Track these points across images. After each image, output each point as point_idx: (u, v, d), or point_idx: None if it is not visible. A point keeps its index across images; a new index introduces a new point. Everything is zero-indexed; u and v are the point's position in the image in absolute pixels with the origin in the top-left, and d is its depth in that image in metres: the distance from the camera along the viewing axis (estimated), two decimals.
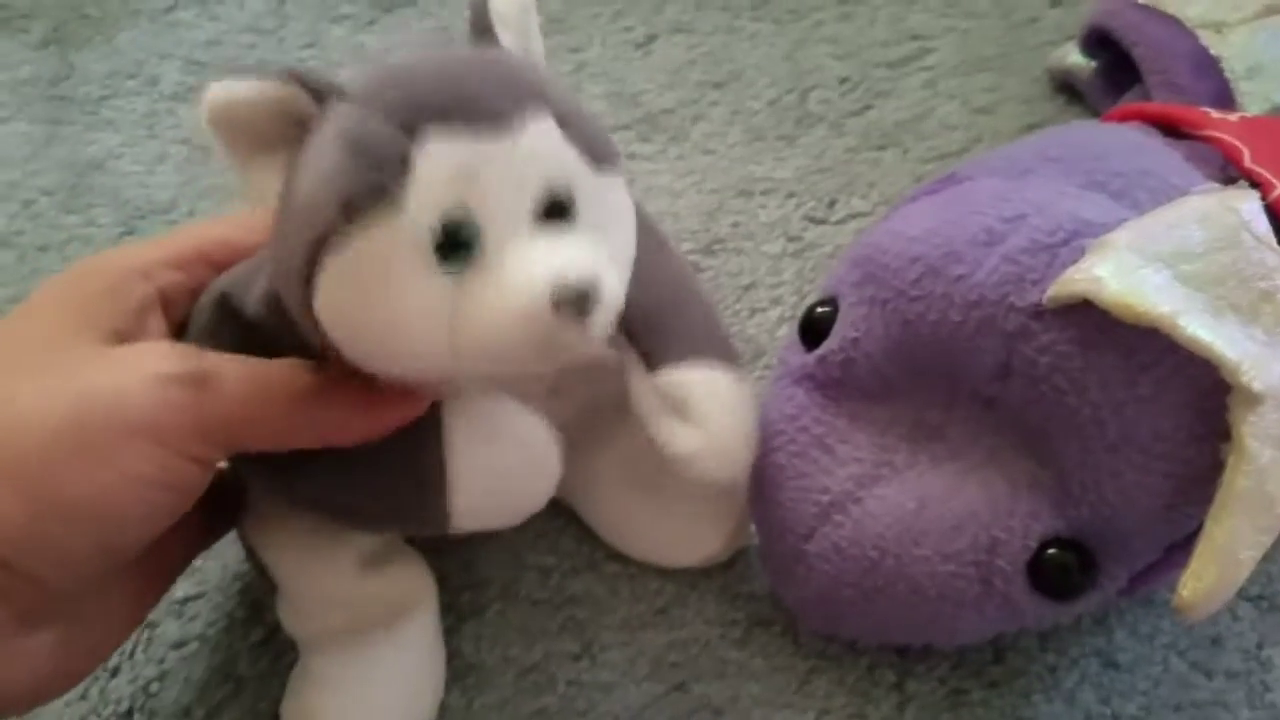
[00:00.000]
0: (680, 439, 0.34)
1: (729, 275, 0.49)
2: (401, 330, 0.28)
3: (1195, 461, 0.30)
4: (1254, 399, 0.28)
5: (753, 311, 0.48)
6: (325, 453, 0.31)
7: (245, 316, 0.32)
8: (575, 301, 0.27)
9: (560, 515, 0.41)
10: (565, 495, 0.41)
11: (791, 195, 0.52)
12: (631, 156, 0.54)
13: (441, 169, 0.27)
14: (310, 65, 0.28)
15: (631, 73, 0.58)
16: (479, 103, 0.27)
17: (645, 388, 0.35)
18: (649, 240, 0.35)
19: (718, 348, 0.36)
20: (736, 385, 0.35)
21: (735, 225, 0.51)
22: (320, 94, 0.28)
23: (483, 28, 0.31)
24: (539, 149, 0.28)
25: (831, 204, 0.52)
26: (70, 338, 0.29)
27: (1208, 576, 0.29)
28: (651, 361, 0.35)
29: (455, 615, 0.39)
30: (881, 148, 0.54)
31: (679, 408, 0.35)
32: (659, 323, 0.35)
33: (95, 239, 0.51)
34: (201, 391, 0.28)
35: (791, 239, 0.50)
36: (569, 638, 0.39)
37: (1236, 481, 0.28)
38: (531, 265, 0.27)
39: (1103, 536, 0.31)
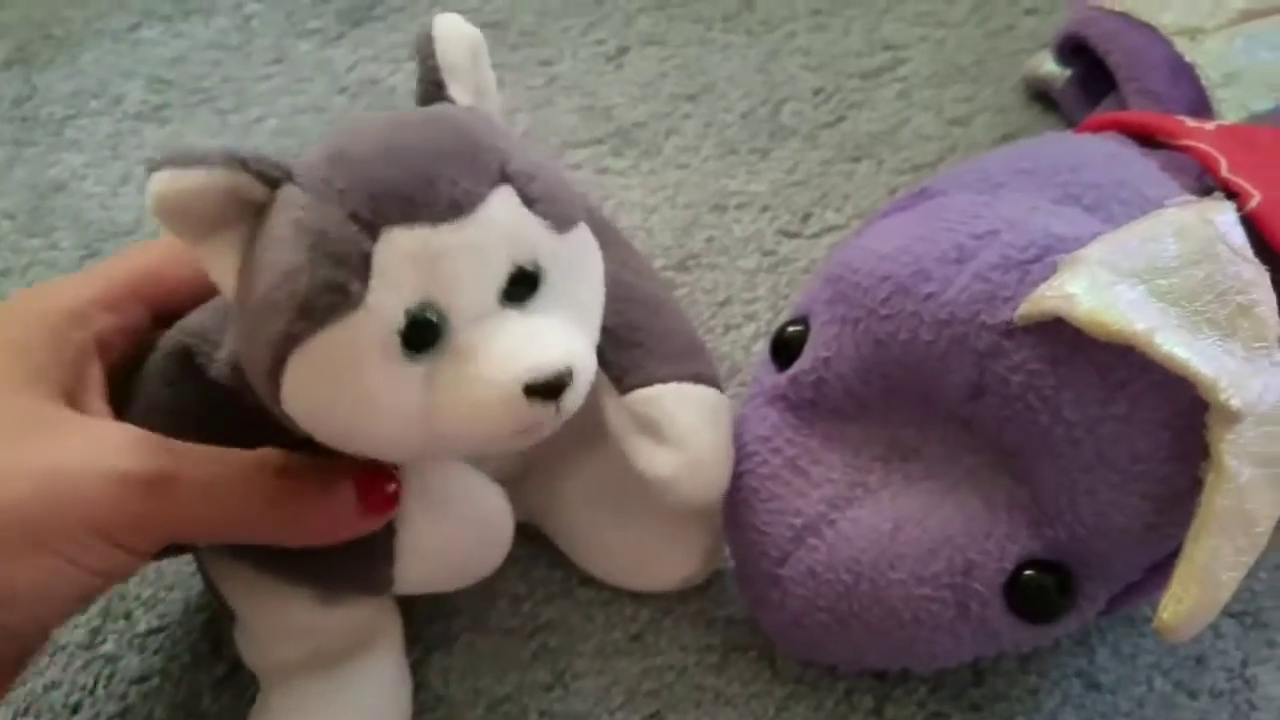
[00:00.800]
0: (657, 462, 0.34)
1: (704, 291, 0.49)
2: (372, 423, 0.28)
3: (1173, 481, 0.29)
4: (1232, 416, 0.27)
5: (727, 328, 0.47)
6: None
7: (209, 375, 0.31)
8: (549, 390, 0.27)
9: (533, 541, 0.41)
10: (538, 520, 0.40)
11: (766, 209, 0.51)
12: (604, 171, 0.53)
13: (404, 265, 0.26)
14: (255, 150, 0.27)
15: (604, 86, 0.57)
16: (438, 190, 0.27)
17: (617, 409, 0.34)
18: (618, 257, 0.35)
19: (690, 363, 0.35)
20: (711, 401, 0.35)
21: (709, 240, 0.50)
22: (273, 180, 0.27)
23: (433, 82, 0.30)
24: (503, 229, 0.28)
25: (806, 217, 0.51)
26: (22, 396, 0.29)
27: (1188, 598, 0.28)
28: (622, 383, 0.34)
29: (423, 646, 0.38)
30: (856, 159, 0.53)
31: (652, 428, 0.34)
32: (629, 343, 0.34)
33: (58, 262, 0.50)
34: (158, 496, 0.28)
35: (766, 253, 0.50)
36: (541, 667, 0.38)
37: (1215, 501, 0.28)
38: (503, 355, 0.27)
39: (1081, 557, 0.31)
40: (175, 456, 0.29)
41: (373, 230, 0.26)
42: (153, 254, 0.33)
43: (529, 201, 0.28)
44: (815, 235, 0.50)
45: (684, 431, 0.34)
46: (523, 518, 0.39)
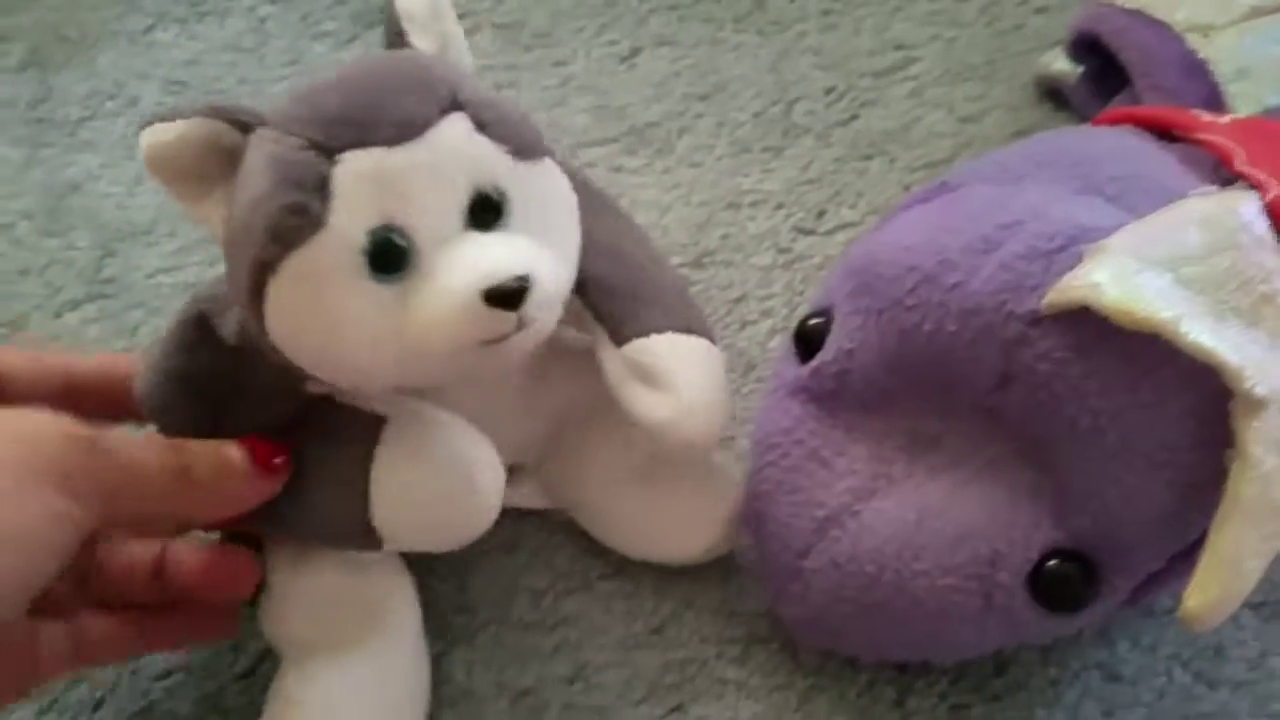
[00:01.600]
0: (651, 406, 0.34)
1: (719, 288, 0.49)
2: (348, 345, 0.29)
3: (1198, 469, 0.29)
4: (1257, 405, 0.27)
5: (743, 324, 0.48)
6: None
7: (221, 339, 0.32)
8: (508, 295, 0.28)
9: (555, 534, 0.41)
10: (563, 501, 0.41)
11: (780, 207, 0.51)
12: (618, 170, 0.53)
13: (361, 185, 0.28)
14: (238, 102, 0.29)
15: (617, 86, 0.57)
16: (388, 113, 0.29)
17: (614, 361, 0.35)
18: (607, 216, 0.36)
19: (682, 315, 0.36)
20: (704, 349, 0.36)
21: (724, 238, 0.51)
22: (244, 124, 0.29)
23: (394, 31, 0.32)
24: (456, 151, 0.29)
25: (820, 215, 0.51)
26: None
27: (1213, 587, 0.28)
28: (618, 335, 0.35)
29: (446, 640, 0.38)
30: (868, 157, 0.53)
31: (647, 376, 0.35)
32: (622, 295, 0.35)
33: (75, 262, 0.50)
34: (97, 453, 0.29)
35: (781, 250, 0.50)
36: (563, 660, 0.38)
37: (1240, 489, 0.28)
38: (462, 266, 0.29)
39: (1105, 546, 0.31)
40: (104, 432, 0.30)
41: (328, 154, 0.28)
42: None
43: (481, 125, 0.30)
44: (830, 232, 0.51)
45: (679, 377, 0.34)
46: (548, 503, 0.40)
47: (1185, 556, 0.31)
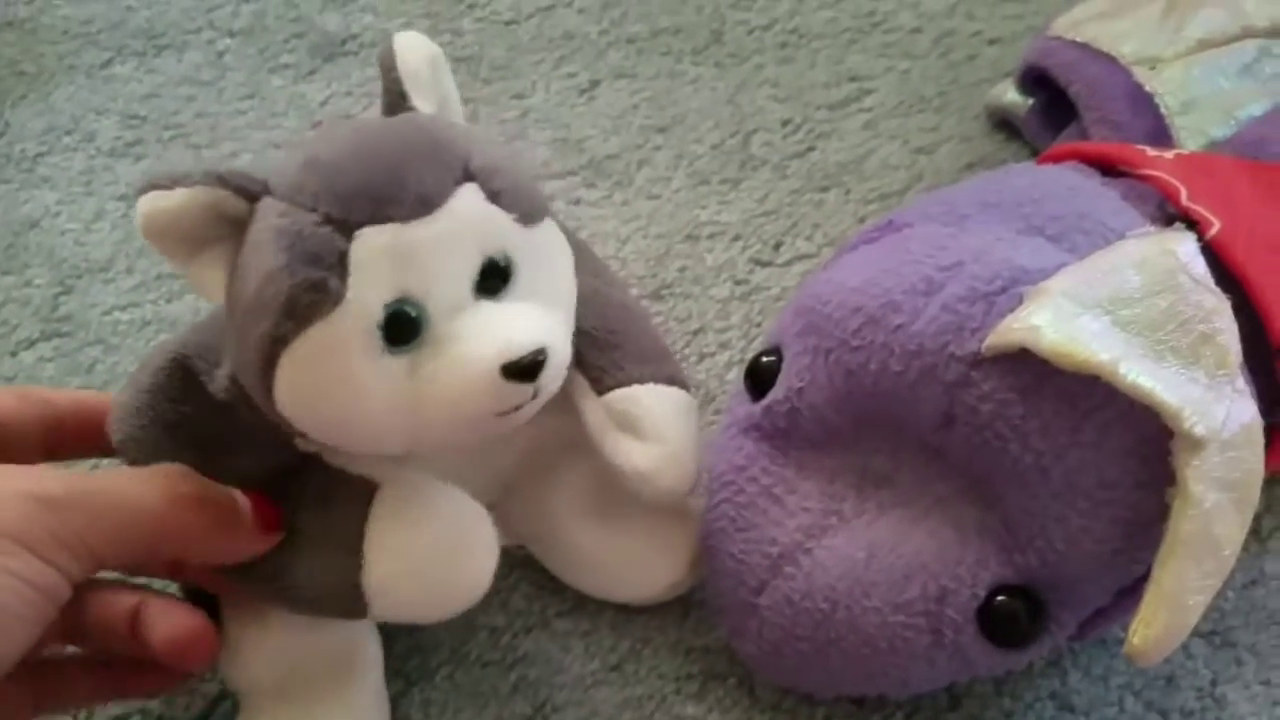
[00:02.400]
0: (636, 456, 0.35)
1: (677, 320, 0.49)
2: (361, 416, 0.29)
3: (1141, 507, 0.30)
4: (1197, 443, 0.28)
5: (701, 356, 0.48)
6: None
7: (209, 390, 0.32)
8: (526, 369, 0.28)
9: (512, 571, 0.41)
10: (524, 539, 0.40)
11: (737, 238, 0.52)
12: (577, 203, 0.54)
13: (379, 260, 0.28)
14: (237, 168, 0.29)
15: (575, 119, 0.57)
16: (405, 187, 0.28)
17: (595, 409, 0.36)
18: (589, 267, 0.36)
19: (663, 365, 0.37)
20: (684, 401, 0.36)
21: (682, 270, 0.51)
22: (250, 193, 0.29)
23: (396, 93, 0.31)
24: (470, 222, 0.29)
25: (777, 246, 0.52)
26: None
27: (1157, 622, 0.28)
28: (600, 383, 0.35)
29: (403, 680, 0.38)
30: (824, 189, 0.54)
31: (630, 425, 0.35)
32: (603, 345, 0.36)
33: (31, 300, 0.50)
34: (67, 511, 0.29)
35: (738, 282, 0.50)
36: (521, 699, 0.38)
37: (1182, 526, 0.28)
38: (480, 339, 0.28)
39: (1051, 583, 0.31)
40: (80, 477, 0.30)
41: (346, 229, 0.28)
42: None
43: (493, 195, 0.30)
44: (786, 264, 0.51)
45: (661, 427, 0.35)
46: (508, 540, 0.40)
47: (1131, 592, 0.31)
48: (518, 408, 0.30)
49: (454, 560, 0.32)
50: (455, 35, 0.62)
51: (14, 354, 0.48)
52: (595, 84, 0.59)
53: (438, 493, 0.33)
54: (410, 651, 0.39)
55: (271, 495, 0.32)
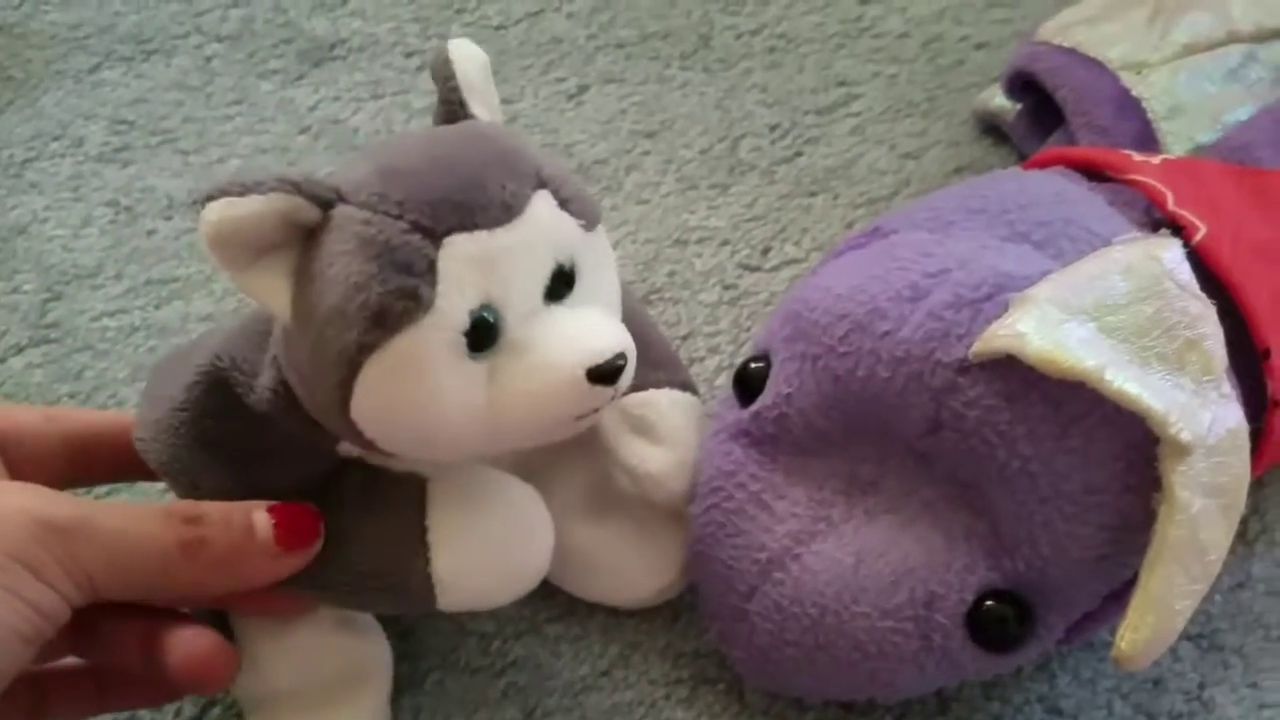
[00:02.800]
0: (647, 458, 0.36)
1: (667, 325, 0.49)
2: (442, 422, 0.29)
3: (1128, 512, 0.30)
4: (1183, 449, 0.28)
5: (691, 361, 0.48)
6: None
7: (248, 403, 0.32)
8: (609, 373, 0.29)
9: None
10: None
11: (726, 243, 0.52)
12: None
13: (466, 268, 0.28)
14: (305, 173, 0.28)
15: (564, 124, 0.57)
16: (489, 195, 0.28)
17: (610, 410, 0.35)
18: None
19: (676, 370, 0.38)
20: (696, 407, 0.37)
21: (671, 275, 0.51)
22: (324, 200, 0.28)
23: (455, 101, 0.31)
24: (546, 229, 0.29)
25: (765, 251, 0.52)
26: None
27: (1144, 628, 0.29)
28: None
29: (393, 687, 0.38)
30: (813, 194, 0.54)
31: (645, 429, 0.36)
32: None
33: (19, 306, 0.50)
34: (74, 539, 0.29)
35: (727, 287, 0.50)
36: (511, 705, 0.38)
37: (1169, 531, 0.28)
38: (564, 344, 0.29)
39: (1039, 588, 0.31)
40: (90, 506, 0.30)
41: (434, 237, 0.28)
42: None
43: (563, 202, 0.30)
44: (775, 269, 0.51)
45: (675, 432, 0.36)
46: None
47: (1118, 596, 0.32)
48: (596, 409, 0.30)
49: (518, 542, 0.33)
50: (443, 40, 0.61)
51: (2, 360, 0.48)
52: (584, 89, 0.59)
53: (490, 478, 0.33)
54: (399, 658, 0.39)
55: (318, 500, 0.32)
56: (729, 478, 0.35)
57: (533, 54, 0.61)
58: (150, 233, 0.53)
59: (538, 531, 0.33)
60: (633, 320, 0.37)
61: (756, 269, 0.51)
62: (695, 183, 0.54)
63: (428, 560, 0.32)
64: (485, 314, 0.28)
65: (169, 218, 0.53)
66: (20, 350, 0.49)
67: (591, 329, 0.30)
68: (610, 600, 0.40)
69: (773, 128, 0.57)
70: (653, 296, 0.50)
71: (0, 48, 0.61)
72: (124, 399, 0.47)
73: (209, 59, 0.61)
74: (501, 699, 0.38)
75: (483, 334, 0.28)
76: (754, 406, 0.35)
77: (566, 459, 0.38)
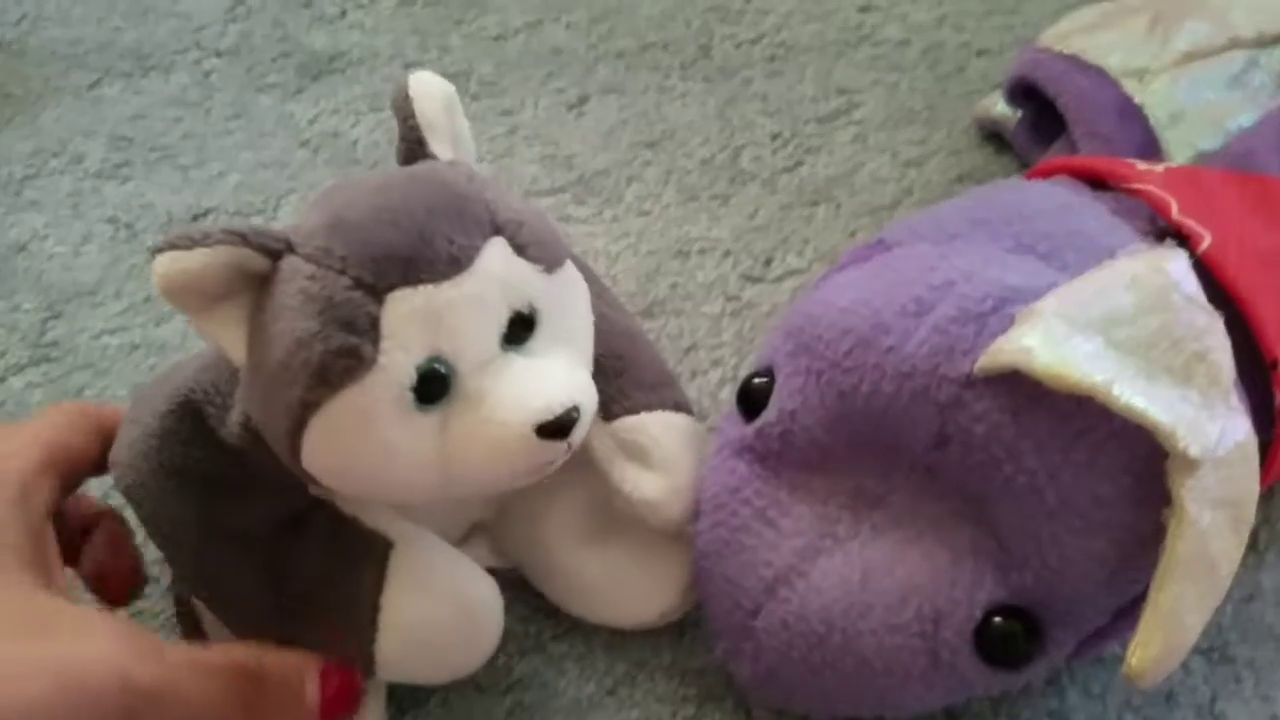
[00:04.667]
0: (642, 484, 0.35)
1: (669, 338, 0.49)
2: (391, 473, 0.29)
3: (1136, 526, 0.29)
4: (1191, 464, 0.28)
5: (694, 373, 0.48)
6: (265, 574, 0.32)
7: (219, 436, 0.32)
8: (559, 428, 0.29)
9: (505, 593, 0.40)
10: (517, 562, 0.40)
11: (728, 254, 0.52)
12: (567, 220, 0.53)
13: (410, 323, 0.28)
14: (257, 225, 0.28)
15: (565, 135, 0.57)
16: (435, 249, 0.28)
17: (602, 436, 0.36)
18: (594, 291, 0.36)
19: (669, 391, 0.37)
20: (691, 428, 0.37)
21: (673, 286, 0.51)
22: (271, 250, 0.28)
23: (414, 140, 0.31)
24: (499, 278, 0.29)
25: (768, 262, 0.51)
26: (20, 586, 0.30)
27: (1155, 643, 0.28)
28: (607, 411, 0.35)
29: (395, 707, 0.38)
30: (814, 204, 0.54)
31: (639, 454, 0.35)
32: (609, 372, 0.36)
33: (19, 324, 0.50)
34: (154, 702, 0.29)
35: (730, 298, 0.50)
36: None
37: (1178, 546, 0.28)
38: (514, 399, 0.29)
39: (1047, 603, 0.31)
40: (169, 667, 0.30)
41: (377, 294, 0.27)
42: (60, 421, 0.34)
43: (519, 248, 0.30)
44: (778, 279, 0.51)
45: (670, 457, 0.36)
46: (502, 562, 0.40)
47: (1129, 611, 0.31)
48: (550, 462, 0.30)
49: (464, 634, 0.33)
50: (443, 51, 0.62)
51: (2, 379, 0.48)
52: (584, 100, 0.59)
53: (452, 565, 0.33)
54: None
55: (281, 542, 0.32)
56: (733, 494, 0.35)
57: (532, 65, 0.61)
58: (150, 250, 0.52)
59: (487, 625, 0.33)
60: (622, 338, 0.37)
61: (759, 280, 0.51)
62: (696, 193, 0.54)
63: (373, 639, 0.32)
64: (436, 365, 0.28)
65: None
66: (20, 369, 0.48)
67: (545, 382, 0.29)
68: (612, 622, 0.40)
69: (774, 137, 0.56)
70: (654, 309, 0.50)
71: None
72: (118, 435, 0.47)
73: (208, 74, 0.61)
74: (506, 718, 0.38)
75: (432, 386, 0.28)
76: (758, 422, 0.35)
77: (566, 481, 0.38)
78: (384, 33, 0.63)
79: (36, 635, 0.29)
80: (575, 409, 0.29)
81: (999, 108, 0.54)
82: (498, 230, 0.29)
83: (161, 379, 0.34)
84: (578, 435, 0.30)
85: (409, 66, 0.61)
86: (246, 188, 0.55)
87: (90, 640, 0.29)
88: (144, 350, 0.49)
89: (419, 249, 0.28)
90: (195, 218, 0.54)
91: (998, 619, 0.31)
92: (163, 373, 0.35)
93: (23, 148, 0.57)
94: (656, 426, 0.36)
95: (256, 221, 0.53)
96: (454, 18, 0.63)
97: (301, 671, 0.32)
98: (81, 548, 0.36)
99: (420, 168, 0.31)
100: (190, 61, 0.61)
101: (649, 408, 0.36)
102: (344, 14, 0.64)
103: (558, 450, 0.29)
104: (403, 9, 0.64)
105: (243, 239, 0.27)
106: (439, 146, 0.31)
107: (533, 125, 0.58)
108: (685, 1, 0.64)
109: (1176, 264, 0.30)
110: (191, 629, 0.37)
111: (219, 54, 0.62)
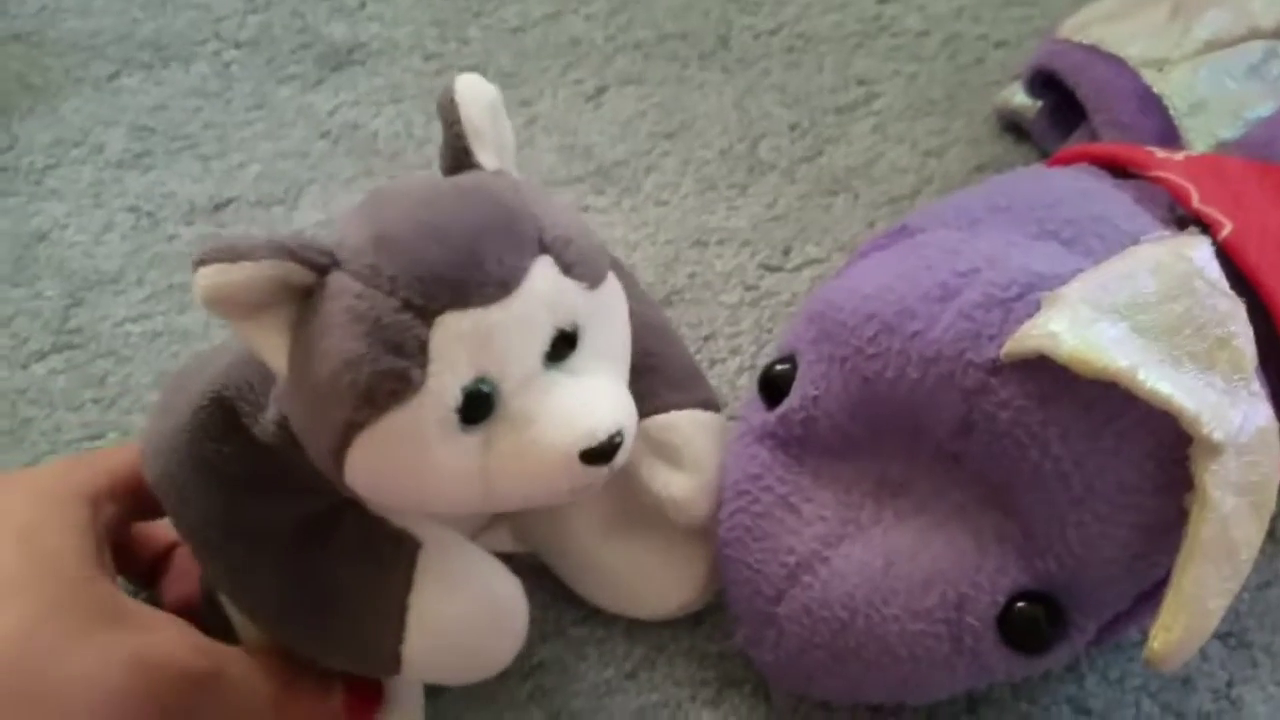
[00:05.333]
0: (671, 483, 0.36)
1: (688, 326, 0.49)
2: (435, 492, 0.29)
3: (1160, 511, 0.30)
4: (1215, 449, 0.28)
5: (712, 362, 0.48)
6: (293, 572, 0.32)
7: (251, 433, 0.32)
8: (603, 454, 0.29)
9: (525, 579, 0.40)
10: (538, 550, 0.41)
11: (746, 244, 0.52)
12: (585, 210, 0.54)
13: (458, 346, 0.28)
14: (307, 234, 0.28)
15: (583, 125, 0.57)
16: (485, 271, 0.28)
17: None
18: (624, 285, 0.36)
19: (699, 390, 0.37)
20: (719, 427, 0.37)
21: (692, 276, 0.51)
22: (318, 265, 0.28)
23: (460, 148, 0.30)
24: (545, 298, 0.29)
25: (787, 251, 0.52)
26: (100, 583, 0.31)
27: (1177, 627, 0.28)
28: (639, 408, 0.35)
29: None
30: (833, 193, 0.54)
31: (669, 454, 0.36)
32: (642, 369, 0.35)
33: (41, 312, 0.50)
34: (208, 690, 0.31)
35: (749, 288, 0.50)
36: (537, 708, 0.38)
37: (1201, 530, 0.28)
38: (559, 423, 0.29)
39: (1070, 589, 0.31)
40: (218, 658, 0.32)
41: (426, 316, 0.27)
42: (135, 454, 0.35)
43: (566, 267, 0.29)
44: (796, 269, 0.51)
45: (700, 456, 0.36)
46: (523, 548, 0.40)
47: (1150, 596, 0.31)
48: (590, 486, 0.30)
49: (490, 636, 0.33)
50: (462, 43, 0.62)
51: (25, 366, 0.48)
52: (602, 90, 0.59)
53: (480, 566, 0.33)
54: None
55: (308, 541, 0.32)
56: (755, 481, 0.35)
57: (551, 55, 0.61)
58: (171, 238, 0.53)
59: (512, 627, 0.33)
60: (652, 334, 0.37)
61: (778, 269, 0.51)
62: (715, 183, 0.54)
63: (400, 639, 0.32)
64: (481, 387, 0.28)
65: (190, 223, 0.53)
66: (43, 356, 0.49)
67: (589, 405, 0.29)
68: (632, 613, 0.40)
69: (792, 127, 0.56)
70: (673, 298, 0.50)
71: (19, 56, 0.62)
72: (147, 405, 0.47)
73: (228, 65, 0.61)
74: (527, 701, 0.38)
75: (476, 407, 0.28)
76: (780, 409, 0.35)
77: None
78: (403, 24, 0.63)
79: (110, 626, 0.30)
80: (619, 434, 0.29)
81: (1018, 98, 0.54)
82: (545, 249, 0.29)
83: (195, 369, 0.34)
84: (620, 459, 0.30)
85: (429, 58, 0.61)
86: (267, 178, 0.55)
87: (155, 632, 0.31)
88: (166, 337, 0.49)
89: (469, 271, 0.28)
90: (216, 207, 0.54)
91: (1021, 604, 0.31)
92: (196, 361, 0.35)
93: (43, 137, 0.58)
94: (687, 426, 0.36)
95: (277, 211, 0.54)
96: (473, 9, 0.63)
97: (329, 677, 0.34)
98: (159, 581, 0.38)
99: (466, 180, 0.30)
100: (210, 52, 0.62)
101: (679, 406, 0.36)
102: (363, 5, 0.64)
103: (600, 475, 0.29)
104: (422, 0, 0.64)
105: (289, 253, 0.27)
106: (484, 155, 0.31)
107: (551, 116, 0.58)
108: None
109: (1199, 250, 0.30)
110: (219, 628, 0.37)
111: (239, 45, 0.62)
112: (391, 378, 0.27)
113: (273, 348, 0.29)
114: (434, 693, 0.38)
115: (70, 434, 0.46)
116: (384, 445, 0.28)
